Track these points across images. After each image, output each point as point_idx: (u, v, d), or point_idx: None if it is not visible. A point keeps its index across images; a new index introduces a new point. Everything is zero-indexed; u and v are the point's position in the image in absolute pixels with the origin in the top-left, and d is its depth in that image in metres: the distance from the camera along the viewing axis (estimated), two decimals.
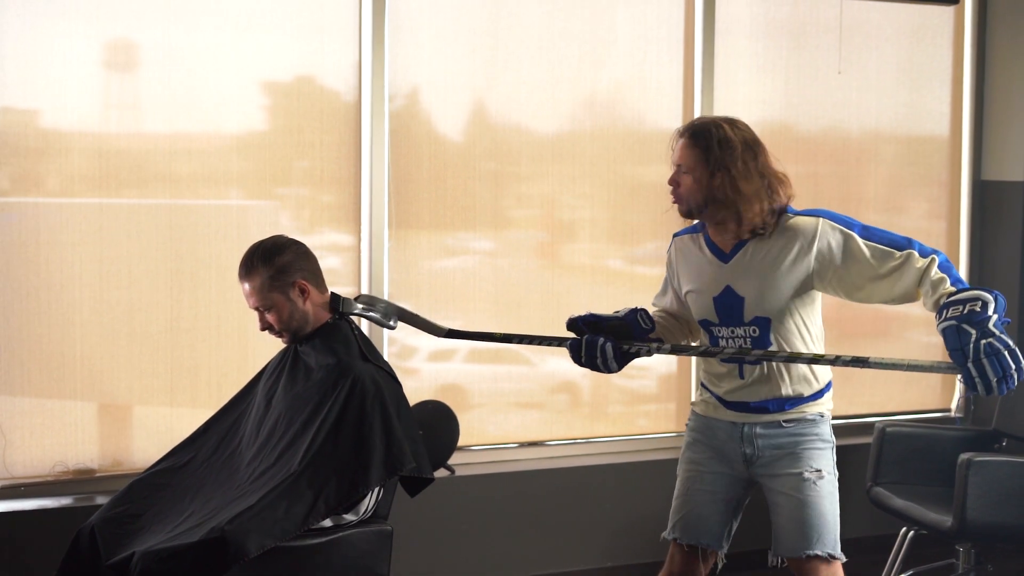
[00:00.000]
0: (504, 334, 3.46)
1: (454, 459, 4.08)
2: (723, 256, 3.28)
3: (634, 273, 5.19)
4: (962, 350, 2.85)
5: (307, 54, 4.65)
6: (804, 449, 3.30)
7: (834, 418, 5.06)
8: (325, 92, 4.70)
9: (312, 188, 4.68)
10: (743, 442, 3.33)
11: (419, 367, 4.90)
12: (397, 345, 4.84)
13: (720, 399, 3.37)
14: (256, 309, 3.42)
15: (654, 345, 3.24)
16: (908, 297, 3.09)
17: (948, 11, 5.64)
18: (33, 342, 4.33)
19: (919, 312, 5.63)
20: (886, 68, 5.58)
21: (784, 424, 3.30)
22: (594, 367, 3.24)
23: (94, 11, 4.35)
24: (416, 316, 3.52)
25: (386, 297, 4.74)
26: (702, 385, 3.45)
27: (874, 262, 3.11)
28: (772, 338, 3.23)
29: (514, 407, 5.07)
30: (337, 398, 3.25)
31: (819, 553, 3.24)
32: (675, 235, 3.49)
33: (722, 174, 3.17)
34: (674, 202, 3.29)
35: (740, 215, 3.18)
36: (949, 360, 2.90)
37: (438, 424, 4.45)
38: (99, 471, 4.44)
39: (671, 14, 5.21)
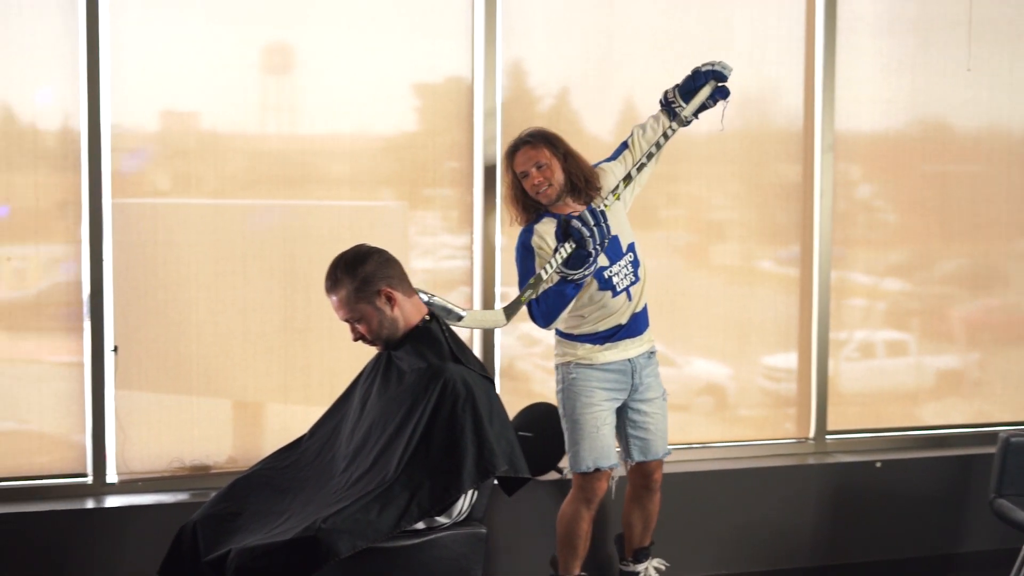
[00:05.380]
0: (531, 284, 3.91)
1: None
2: None
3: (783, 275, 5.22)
4: (707, 67, 4.17)
5: (447, 56, 4.72)
6: (658, 376, 4.30)
7: (956, 427, 5.34)
8: (467, 93, 4.73)
9: (437, 188, 4.72)
10: (634, 375, 4.20)
11: (532, 368, 4.90)
12: (508, 353, 4.84)
13: (618, 336, 4.15)
14: (346, 321, 3.43)
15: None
16: (654, 137, 4.19)
17: None
18: (150, 341, 4.43)
19: None
20: (1019, 64, 5.38)
21: (650, 356, 4.25)
22: (602, 233, 3.81)
23: (250, 15, 4.50)
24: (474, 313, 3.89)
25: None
26: (589, 340, 4.14)
27: (630, 157, 4.22)
28: (639, 255, 4.18)
29: None
30: (428, 402, 3.25)
31: (669, 450, 4.36)
32: (527, 229, 4.08)
33: (570, 157, 4.10)
34: (545, 191, 4.05)
35: (589, 180, 4.09)
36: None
37: (548, 426, 4.45)
38: (214, 468, 4.53)
39: (791, 12, 5.11)
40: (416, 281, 3.58)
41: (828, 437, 5.26)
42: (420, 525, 3.20)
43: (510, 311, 3.91)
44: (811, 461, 5.14)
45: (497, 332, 4.77)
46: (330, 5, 4.58)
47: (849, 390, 5.34)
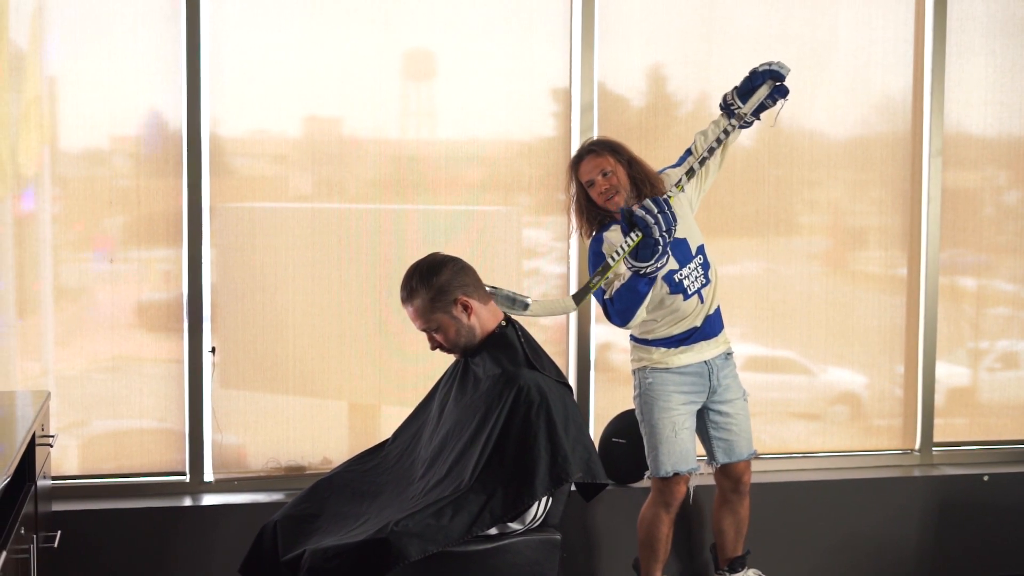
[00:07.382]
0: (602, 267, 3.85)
1: None
2: None
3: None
4: (764, 67, 4.13)
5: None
6: (737, 377, 4.32)
7: None
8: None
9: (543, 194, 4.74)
10: (711, 376, 4.21)
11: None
12: (613, 350, 4.82)
13: (693, 339, 4.15)
14: (423, 331, 3.44)
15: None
16: (713, 137, 4.16)
17: None
18: (248, 342, 4.51)
19: None
20: None
21: (727, 356, 4.26)
22: (667, 220, 3.67)
23: (393, 21, 4.58)
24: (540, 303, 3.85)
25: None
26: (664, 344, 4.15)
27: (691, 161, 4.16)
28: (708, 257, 4.17)
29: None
30: (503, 409, 3.24)
31: (755, 451, 4.35)
32: (597, 238, 4.10)
33: (634, 163, 4.12)
34: (613, 198, 4.04)
35: (654, 185, 4.09)
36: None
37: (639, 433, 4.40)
38: (309, 468, 4.58)
39: (898, 13, 4.99)
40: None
41: (935, 449, 5.13)
42: (493, 531, 3.20)
43: (579, 297, 3.91)
44: (916, 473, 5.01)
45: (594, 336, 4.77)
46: (465, 12, 4.65)
47: (974, 401, 5.24)
